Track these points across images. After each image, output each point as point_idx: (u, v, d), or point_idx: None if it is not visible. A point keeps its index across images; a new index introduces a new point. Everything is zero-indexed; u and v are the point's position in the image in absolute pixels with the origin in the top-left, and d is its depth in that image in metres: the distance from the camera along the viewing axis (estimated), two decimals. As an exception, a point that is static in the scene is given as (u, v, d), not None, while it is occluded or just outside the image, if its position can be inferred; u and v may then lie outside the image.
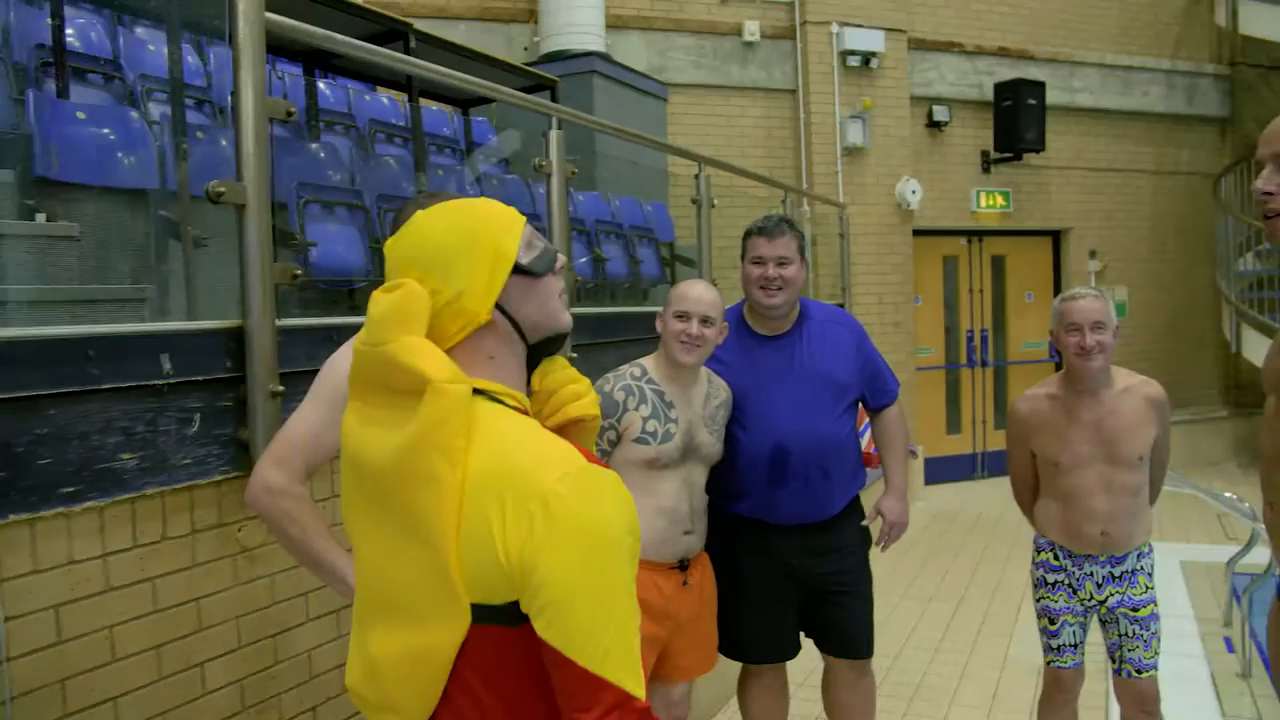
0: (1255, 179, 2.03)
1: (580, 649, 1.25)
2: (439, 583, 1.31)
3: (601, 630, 1.26)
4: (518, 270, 1.44)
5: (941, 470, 9.59)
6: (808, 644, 3.29)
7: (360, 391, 1.43)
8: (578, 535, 1.26)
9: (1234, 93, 10.89)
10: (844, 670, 3.23)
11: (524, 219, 1.50)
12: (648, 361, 2.93)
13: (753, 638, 3.20)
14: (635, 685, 1.28)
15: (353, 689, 1.47)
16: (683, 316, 2.82)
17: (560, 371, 1.56)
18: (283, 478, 2.00)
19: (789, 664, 3.35)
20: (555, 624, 1.26)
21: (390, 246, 1.46)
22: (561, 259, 1.52)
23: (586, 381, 1.59)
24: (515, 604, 1.29)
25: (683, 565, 2.88)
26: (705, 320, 2.82)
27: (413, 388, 1.32)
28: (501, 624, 1.30)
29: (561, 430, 1.51)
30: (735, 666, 3.38)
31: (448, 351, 1.39)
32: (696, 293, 2.86)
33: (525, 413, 1.43)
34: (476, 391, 1.36)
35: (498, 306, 1.43)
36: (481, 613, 1.31)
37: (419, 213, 1.46)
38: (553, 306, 1.49)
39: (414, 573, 1.34)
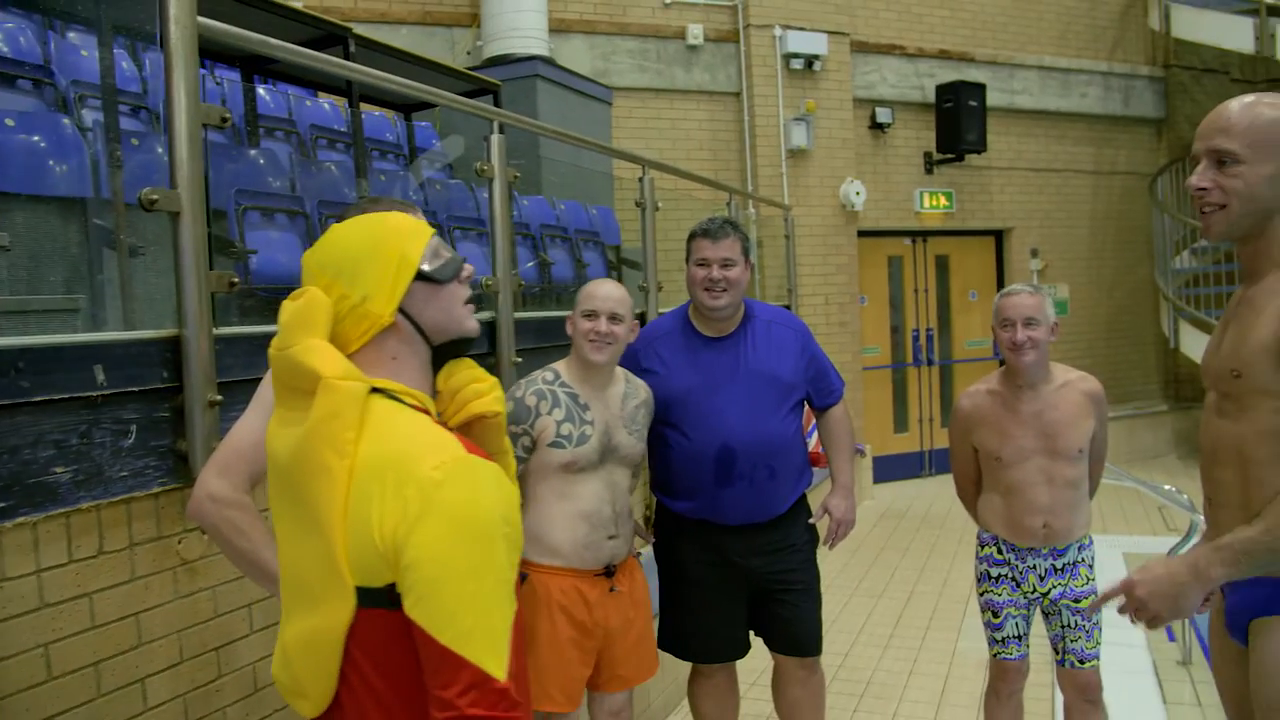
0: (1190, 176, 2.07)
1: (443, 628, 1.33)
2: (329, 567, 1.40)
3: (465, 611, 1.33)
4: (421, 277, 1.53)
5: (889, 468, 9.68)
6: (758, 643, 3.30)
7: (280, 396, 1.51)
8: (448, 519, 1.34)
9: (1168, 94, 11.13)
10: (794, 668, 3.24)
11: (433, 231, 1.59)
12: (561, 365, 2.92)
13: (701, 638, 3.21)
14: (495, 666, 1.34)
15: (274, 676, 1.55)
16: (591, 315, 2.81)
17: (464, 371, 1.63)
18: (227, 487, 1.97)
19: (739, 664, 3.36)
20: (421, 603, 1.34)
21: (307, 255, 1.55)
22: (469, 269, 1.61)
23: (491, 380, 1.65)
24: (394, 586, 1.37)
25: (609, 571, 2.85)
26: (614, 317, 2.81)
27: (310, 386, 1.41)
28: (385, 607, 1.38)
29: (466, 428, 1.60)
30: (686, 668, 3.39)
31: (354, 353, 1.50)
32: (604, 291, 2.86)
33: (424, 410, 1.50)
34: (377, 390, 1.46)
35: (401, 310, 1.52)
36: (366, 596, 1.39)
37: (334, 224, 1.56)
38: (457, 312, 1.58)
39: (311, 559, 1.43)
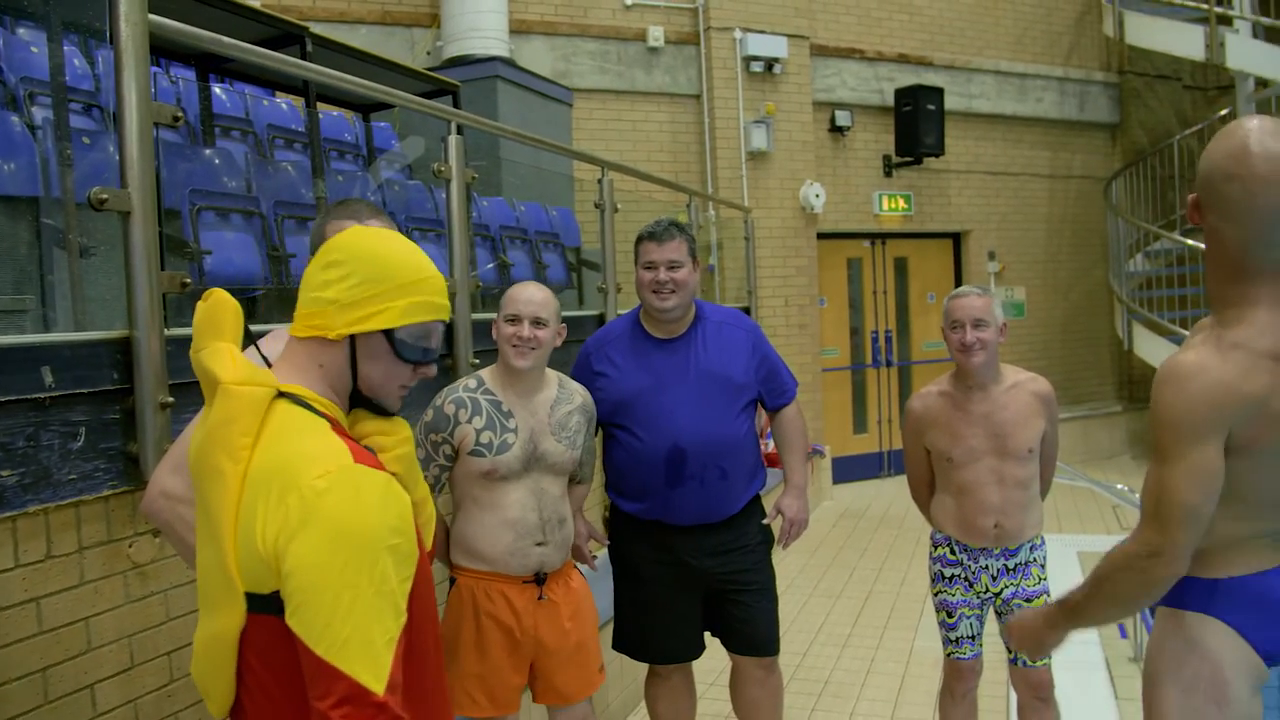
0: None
1: (318, 638, 1.32)
2: (222, 571, 1.41)
3: (342, 622, 1.32)
4: (389, 337, 1.53)
5: (849, 469, 9.75)
6: (716, 643, 3.31)
7: (206, 398, 1.50)
8: (328, 529, 1.34)
9: (1123, 100, 11.31)
10: (751, 668, 3.26)
11: (446, 316, 1.60)
12: (485, 372, 2.88)
13: (656, 639, 3.22)
14: (372, 679, 1.33)
15: (192, 675, 1.56)
16: (513, 320, 2.77)
17: (370, 423, 1.61)
18: (181, 485, 1.94)
19: (697, 664, 3.38)
20: (299, 612, 1.34)
21: (354, 230, 1.57)
22: (430, 371, 1.61)
23: (400, 434, 1.64)
24: (279, 593, 1.37)
25: (539, 579, 2.80)
26: (537, 321, 2.76)
27: (214, 390, 1.43)
28: (273, 613, 1.38)
29: None
30: (644, 669, 3.39)
31: (298, 341, 1.51)
32: (527, 294, 2.82)
33: (329, 419, 1.49)
34: (285, 394, 1.46)
35: (351, 340, 1.51)
36: (255, 602, 1.40)
37: (394, 231, 1.58)
38: (391, 388, 1.58)
39: (211, 563, 1.45)
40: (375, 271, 1.50)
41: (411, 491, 1.61)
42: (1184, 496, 1.83)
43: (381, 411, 1.60)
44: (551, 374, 2.94)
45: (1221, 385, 1.81)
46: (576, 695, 2.89)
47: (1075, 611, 2.05)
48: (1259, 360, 1.81)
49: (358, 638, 1.33)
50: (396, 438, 1.63)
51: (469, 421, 2.75)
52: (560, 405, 2.89)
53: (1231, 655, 1.91)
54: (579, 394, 2.98)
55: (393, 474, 1.55)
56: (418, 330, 1.55)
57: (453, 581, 2.83)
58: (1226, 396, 1.81)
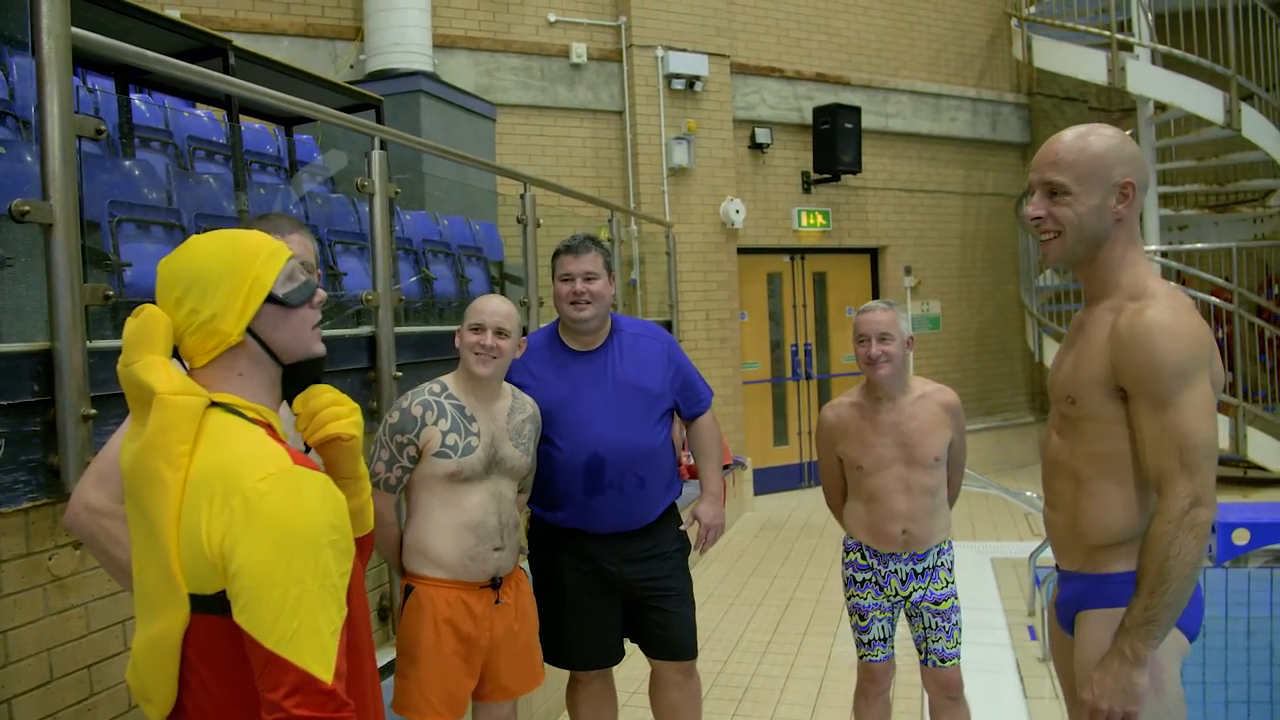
0: (1026, 206, 2.23)
1: (267, 632, 1.39)
2: (164, 575, 1.46)
3: (289, 616, 1.39)
4: (273, 300, 1.58)
5: (770, 481, 9.89)
6: (640, 651, 3.38)
7: (132, 410, 1.55)
8: (271, 529, 1.41)
9: (1032, 120, 11.69)
10: (670, 673, 3.32)
11: (290, 253, 1.65)
12: (448, 379, 2.97)
13: (577, 645, 3.27)
14: (321, 669, 1.41)
15: (127, 681, 1.60)
16: (477, 329, 2.87)
17: (325, 395, 1.69)
18: (104, 497, 1.95)
19: (621, 672, 3.43)
20: (247, 609, 1.40)
21: (163, 263, 1.59)
22: (321, 294, 1.68)
23: (351, 405, 1.72)
24: (224, 593, 1.43)
25: (495, 584, 2.89)
26: (500, 332, 2.87)
27: (149, 401, 1.47)
28: (217, 613, 1.44)
29: (323, 449, 1.68)
30: (566, 676, 3.44)
31: (203, 367, 1.56)
32: (491, 306, 2.93)
33: (264, 425, 1.56)
34: (217, 404, 1.52)
35: (250, 331, 1.57)
36: (199, 602, 1.46)
37: (194, 235, 1.63)
38: (305, 336, 1.64)
39: (152, 567, 1.49)
40: (217, 267, 1.55)
41: (355, 466, 1.72)
42: (1205, 433, 1.95)
43: (316, 365, 1.68)
44: (506, 385, 3.04)
45: (1202, 329, 2.00)
46: (523, 690, 3.01)
47: (1145, 623, 1.93)
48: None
49: (305, 630, 1.40)
50: (350, 406, 1.71)
51: (435, 424, 2.83)
52: (516, 414, 3.00)
53: (1167, 643, 2.00)
54: (529, 405, 3.09)
55: (350, 438, 1.67)
56: (284, 277, 1.61)
57: (409, 590, 2.87)
58: (1206, 339, 2.01)
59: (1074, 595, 2.22)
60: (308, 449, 1.70)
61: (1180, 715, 2.05)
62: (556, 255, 3.24)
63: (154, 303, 1.57)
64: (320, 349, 1.68)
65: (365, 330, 3.78)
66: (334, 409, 1.68)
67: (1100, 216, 2.12)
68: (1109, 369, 2.05)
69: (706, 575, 6.87)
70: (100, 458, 2.04)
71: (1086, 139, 2.14)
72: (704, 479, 3.44)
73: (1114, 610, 2.03)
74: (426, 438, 2.82)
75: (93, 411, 2.34)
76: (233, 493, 1.42)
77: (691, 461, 3.81)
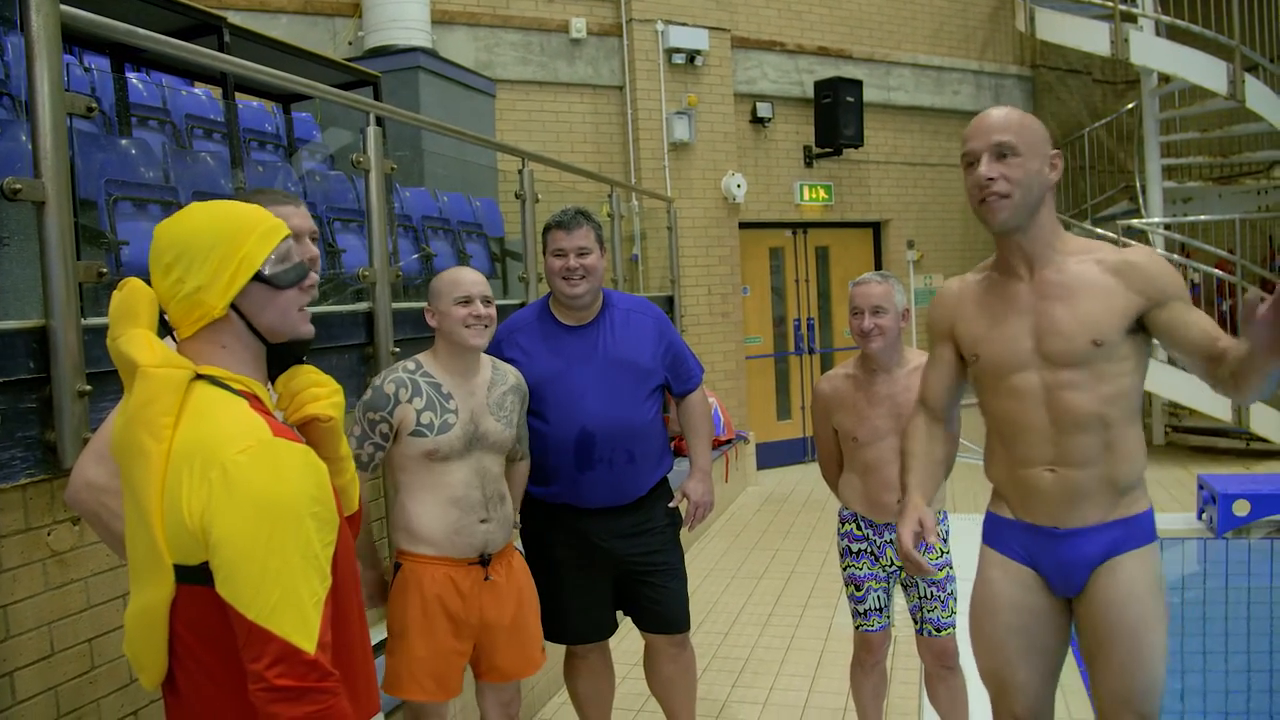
0: (968, 172, 2.29)
1: (249, 603, 1.41)
2: (150, 546, 1.47)
3: (270, 587, 1.41)
4: (261, 279, 1.58)
5: (773, 455, 9.91)
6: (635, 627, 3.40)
7: (124, 384, 1.55)
8: (251, 500, 1.42)
9: (1036, 93, 11.62)
10: (664, 645, 3.35)
11: (286, 232, 1.64)
12: (422, 356, 2.94)
13: (570, 620, 3.29)
14: (303, 639, 1.42)
15: (125, 652, 1.61)
16: (465, 301, 2.84)
17: (306, 375, 1.70)
18: (104, 474, 1.96)
19: (621, 646, 3.44)
20: (228, 581, 1.42)
21: (160, 227, 1.58)
22: (312, 278, 1.67)
23: (333, 386, 1.72)
24: (207, 564, 1.44)
25: (484, 560, 2.86)
26: (486, 300, 2.86)
27: (133, 374, 1.48)
28: (202, 584, 1.46)
29: (303, 430, 1.66)
30: (564, 652, 3.46)
31: (189, 338, 1.56)
32: (471, 277, 2.91)
33: (249, 395, 1.56)
34: (203, 376, 1.52)
35: (235, 307, 1.57)
36: (183, 573, 1.47)
37: (192, 203, 1.60)
38: (291, 317, 1.64)
39: (139, 538, 1.51)
40: (208, 240, 1.55)
41: (336, 447, 1.71)
42: None
43: (302, 345, 1.68)
44: (485, 357, 3.01)
45: None
46: (517, 674, 2.98)
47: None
48: None
49: (287, 601, 1.41)
50: (330, 388, 1.71)
51: (409, 401, 2.80)
52: (496, 386, 2.97)
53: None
54: (511, 374, 3.05)
55: (329, 419, 1.67)
56: (276, 258, 1.60)
57: (398, 567, 2.87)
58: None
59: (1103, 546, 2.28)
60: None
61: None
62: (547, 230, 3.23)
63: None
64: (308, 329, 1.68)
65: (363, 306, 3.78)
66: (313, 390, 1.68)
67: (1041, 181, 2.25)
68: (1127, 301, 2.19)
69: (708, 549, 6.91)
70: (99, 435, 2.05)
71: (1019, 112, 2.28)
72: (693, 455, 3.44)
73: (1149, 547, 2.19)
74: (401, 416, 2.79)
75: (88, 388, 2.35)
76: (211, 465, 1.43)
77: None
